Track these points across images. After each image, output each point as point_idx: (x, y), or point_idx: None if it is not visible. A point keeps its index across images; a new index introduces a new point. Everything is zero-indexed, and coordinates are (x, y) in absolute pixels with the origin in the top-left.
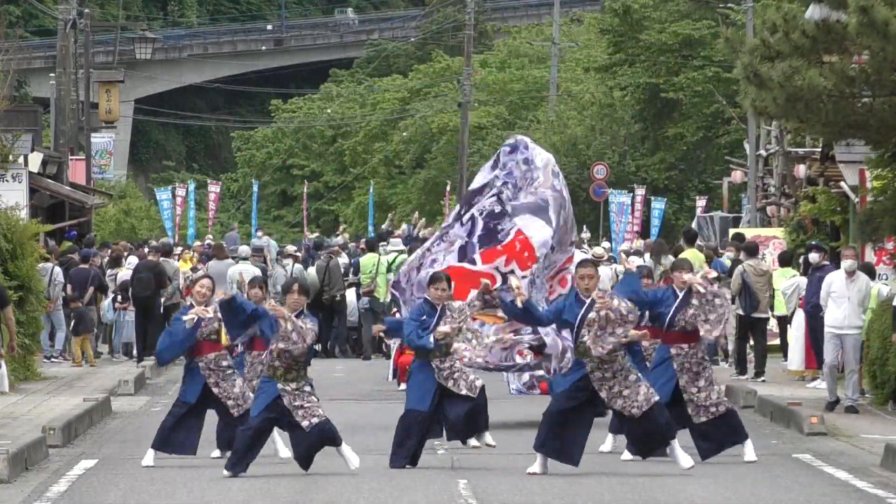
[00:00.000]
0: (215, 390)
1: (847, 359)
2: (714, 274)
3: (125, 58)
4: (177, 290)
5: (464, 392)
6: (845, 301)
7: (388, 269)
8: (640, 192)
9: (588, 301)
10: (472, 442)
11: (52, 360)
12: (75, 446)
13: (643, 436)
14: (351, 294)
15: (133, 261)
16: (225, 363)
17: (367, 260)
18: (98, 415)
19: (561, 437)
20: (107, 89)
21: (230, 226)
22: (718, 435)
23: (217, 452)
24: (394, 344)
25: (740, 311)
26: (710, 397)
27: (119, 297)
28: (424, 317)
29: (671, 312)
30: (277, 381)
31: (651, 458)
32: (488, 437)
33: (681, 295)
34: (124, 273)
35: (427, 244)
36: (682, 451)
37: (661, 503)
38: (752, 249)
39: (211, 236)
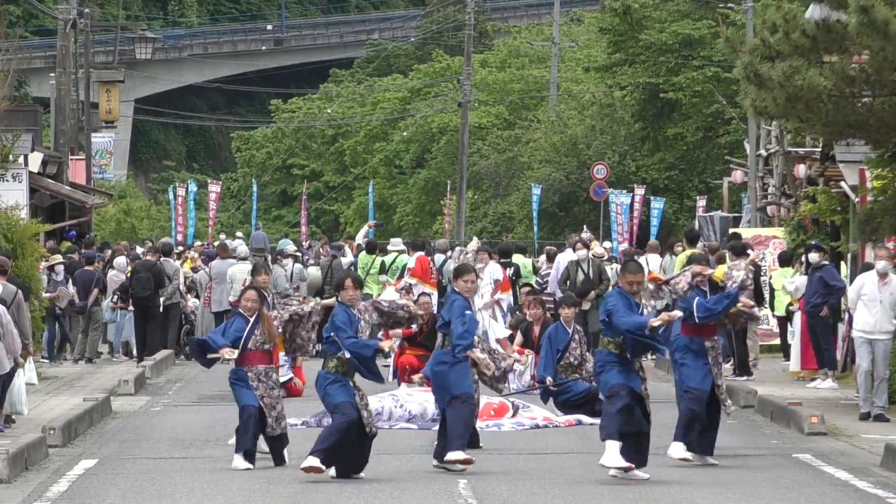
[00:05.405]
0: (262, 401)
1: (877, 365)
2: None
3: (125, 58)
4: (176, 290)
5: None
6: (877, 305)
7: (383, 270)
8: (640, 192)
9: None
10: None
11: (44, 359)
12: (75, 446)
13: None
14: None
15: (121, 262)
16: (275, 377)
17: (365, 258)
18: (98, 415)
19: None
20: (107, 89)
21: (256, 225)
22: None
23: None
24: (393, 343)
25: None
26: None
27: (115, 298)
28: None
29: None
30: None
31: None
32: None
33: (706, 289)
34: (114, 273)
35: None
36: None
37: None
38: (738, 249)
39: (223, 234)
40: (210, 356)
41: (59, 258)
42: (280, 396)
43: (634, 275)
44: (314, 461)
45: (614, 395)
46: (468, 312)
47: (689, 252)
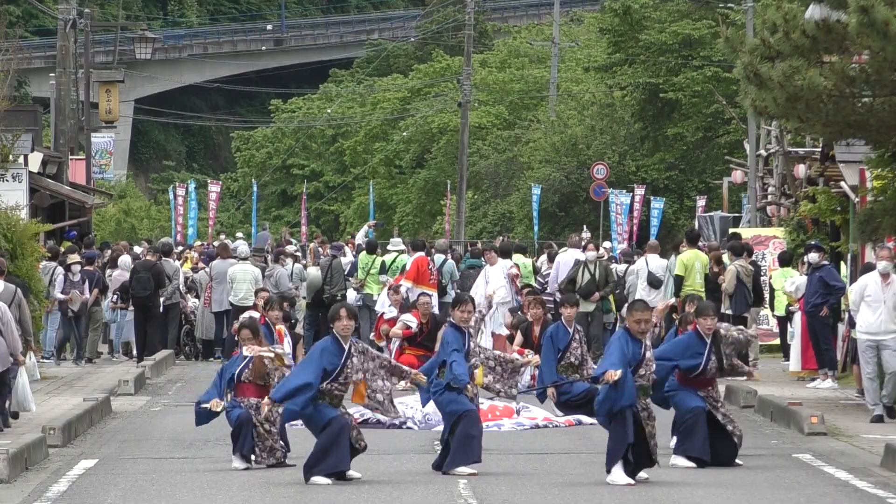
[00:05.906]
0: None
1: (886, 365)
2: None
3: (125, 58)
4: (176, 290)
5: None
6: (881, 305)
7: (383, 270)
8: (640, 192)
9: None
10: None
11: (45, 359)
12: (75, 446)
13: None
14: (350, 294)
15: (125, 260)
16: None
17: (365, 258)
18: (98, 415)
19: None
20: (107, 89)
21: (263, 226)
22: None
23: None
24: (392, 343)
25: (729, 311)
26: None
27: (115, 298)
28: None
29: (703, 362)
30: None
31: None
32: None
33: (708, 342)
34: (118, 273)
35: None
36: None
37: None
38: (737, 249)
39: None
40: (203, 406)
41: (76, 258)
42: (271, 432)
43: (642, 313)
44: (326, 481)
45: (619, 415)
46: (458, 353)
47: (691, 252)
